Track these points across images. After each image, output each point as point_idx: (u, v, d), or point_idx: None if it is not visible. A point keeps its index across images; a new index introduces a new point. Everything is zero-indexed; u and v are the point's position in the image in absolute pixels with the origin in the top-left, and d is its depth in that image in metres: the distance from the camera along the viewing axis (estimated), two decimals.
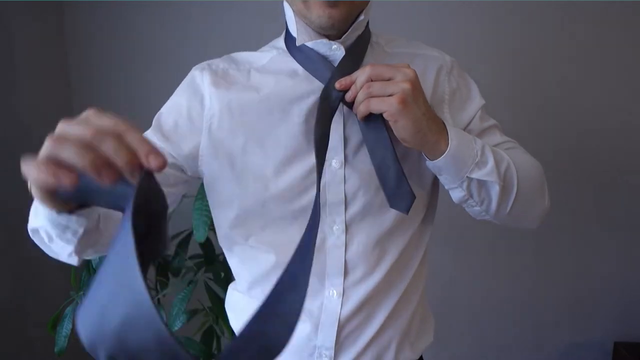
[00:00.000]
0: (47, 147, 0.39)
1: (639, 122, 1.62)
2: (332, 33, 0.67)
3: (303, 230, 0.47)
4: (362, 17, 0.67)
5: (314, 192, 0.69)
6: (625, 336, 1.75)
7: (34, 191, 0.43)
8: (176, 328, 1.15)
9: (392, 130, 0.63)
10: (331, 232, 0.71)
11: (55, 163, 0.39)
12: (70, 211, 0.49)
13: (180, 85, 0.76)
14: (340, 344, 0.73)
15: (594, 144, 1.64)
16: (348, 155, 0.70)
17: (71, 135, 0.40)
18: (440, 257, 1.70)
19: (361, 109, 0.62)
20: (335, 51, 0.67)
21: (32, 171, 0.39)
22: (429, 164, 0.67)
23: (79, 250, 0.58)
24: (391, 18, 1.53)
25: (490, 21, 1.58)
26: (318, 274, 0.72)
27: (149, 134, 0.73)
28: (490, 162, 0.66)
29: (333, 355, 0.73)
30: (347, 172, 0.70)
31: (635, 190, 1.66)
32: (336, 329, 0.72)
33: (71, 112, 1.67)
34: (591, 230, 1.69)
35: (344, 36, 0.67)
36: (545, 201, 0.74)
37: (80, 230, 0.54)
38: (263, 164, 0.69)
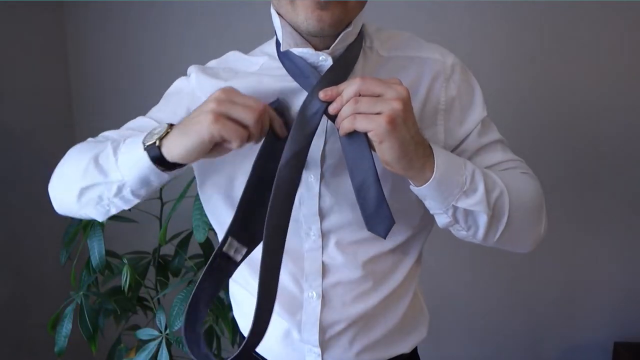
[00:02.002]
0: (248, 116, 0.56)
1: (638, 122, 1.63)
2: (320, 40, 0.63)
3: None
4: (350, 28, 0.62)
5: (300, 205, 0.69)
6: (625, 336, 1.75)
7: (201, 139, 0.55)
8: (176, 328, 1.15)
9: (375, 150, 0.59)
10: (307, 237, 0.71)
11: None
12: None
13: (169, 95, 0.76)
14: (325, 344, 0.74)
15: (595, 144, 1.64)
16: (325, 172, 0.67)
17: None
18: (438, 255, 1.70)
19: (345, 125, 0.57)
20: (323, 62, 0.63)
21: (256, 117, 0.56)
22: (413, 189, 0.63)
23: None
24: (391, 18, 1.53)
25: (494, 21, 1.58)
26: (296, 276, 0.72)
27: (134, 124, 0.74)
28: (480, 191, 0.62)
29: (320, 352, 0.74)
30: (322, 189, 0.68)
31: (636, 190, 1.66)
32: (318, 328, 0.73)
33: (71, 112, 1.67)
34: (591, 230, 1.69)
35: (332, 46, 0.62)
36: (541, 228, 0.70)
37: (154, 188, 0.65)
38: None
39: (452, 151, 0.71)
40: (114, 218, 1.21)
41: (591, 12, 1.56)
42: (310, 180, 0.68)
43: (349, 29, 0.62)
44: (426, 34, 0.77)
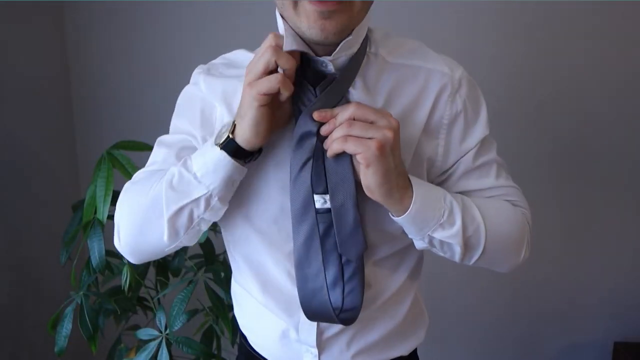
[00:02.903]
0: (266, 56, 0.58)
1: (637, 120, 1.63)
2: (322, 46, 0.62)
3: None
4: (350, 37, 0.61)
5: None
6: (625, 336, 1.75)
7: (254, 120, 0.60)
8: (176, 328, 1.15)
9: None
10: None
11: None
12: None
13: (180, 105, 0.76)
14: (322, 345, 0.75)
15: (596, 144, 1.64)
16: None
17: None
18: (437, 256, 1.70)
19: (335, 146, 0.60)
20: (323, 69, 0.63)
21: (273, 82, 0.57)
22: (391, 217, 0.65)
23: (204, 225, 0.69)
24: (392, 17, 1.53)
25: (491, 19, 1.59)
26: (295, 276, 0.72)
27: (167, 154, 0.73)
28: (457, 225, 0.64)
29: (318, 353, 0.75)
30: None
31: (636, 190, 1.66)
32: (316, 329, 0.73)
33: (71, 112, 1.67)
34: (590, 229, 1.69)
35: (333, 53, 0.61)
36: (520, 258, 0.73)
37: (235, 188, 0.66)
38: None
39: (447, 169, 0.72)
40: (113, 218, 1.22)
41: (589, 11, 1.56)
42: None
43: (349, 38, 0.61)
44: (424, 33, 0.76)
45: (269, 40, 0.59)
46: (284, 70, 0.59)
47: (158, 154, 0.74)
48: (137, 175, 0.74)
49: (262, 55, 0.58)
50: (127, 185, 0.73)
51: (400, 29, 0.76)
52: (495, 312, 1.77)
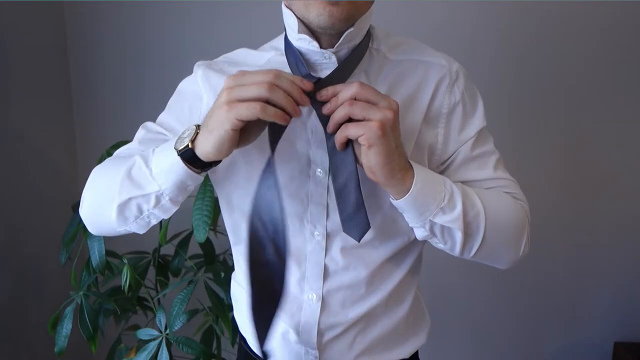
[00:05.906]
0: (259, 90, 0.56)
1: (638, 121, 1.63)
2: (327, 38, 0.64)
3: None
4: (352, 29, 0.63)
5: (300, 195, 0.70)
6: (625, 336, 1.75)
7: (221, 138, 0.57)
8: (176, 328, 1.15)
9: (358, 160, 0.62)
10: (312, 238, 0.71)
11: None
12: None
13: (172, 99, 0.78)
14: (323, 346, 0.75)
15: (594, 143, 1.64)
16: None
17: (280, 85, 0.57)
18: (437, 254, 1.70)
19: (337, 135, 0.61)
20: (326, 60, 0.65)
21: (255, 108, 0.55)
22: (392, 202, 0.65)
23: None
24: (392, 17, 1.53)
25: (490, 18, 1.58)
26: (298, 277, 0.73)
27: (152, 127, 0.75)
28: (458, 209, 0.64)
29: (318, 355, 0.75)
30: (330, 183, 0.69)
31: (636, 189, 1.66)
32: (316, 331, 0.73)
33: (71, 112, 1.67)
34: (591, 229, 1.69)
35: (336, 45, 0.64)
36: (520, 251, 0.72)
37: (190, 191, 0.67)
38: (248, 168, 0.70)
39: (447, 159, 0.73)
40: None
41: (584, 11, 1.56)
42: (318, 174, 0.69)
43: (351, 29, 0.63)
44: (424, 34, 0.77)
45: (271, 73, 0.57)
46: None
47: (138, 138, 0.75)
48: (117, 152, 0.76)
49: (257, 86, 0.56)
50: (104, 162, 0.74)
51: (401, 29, 0.76)
52: (495, 313, 1.77)
